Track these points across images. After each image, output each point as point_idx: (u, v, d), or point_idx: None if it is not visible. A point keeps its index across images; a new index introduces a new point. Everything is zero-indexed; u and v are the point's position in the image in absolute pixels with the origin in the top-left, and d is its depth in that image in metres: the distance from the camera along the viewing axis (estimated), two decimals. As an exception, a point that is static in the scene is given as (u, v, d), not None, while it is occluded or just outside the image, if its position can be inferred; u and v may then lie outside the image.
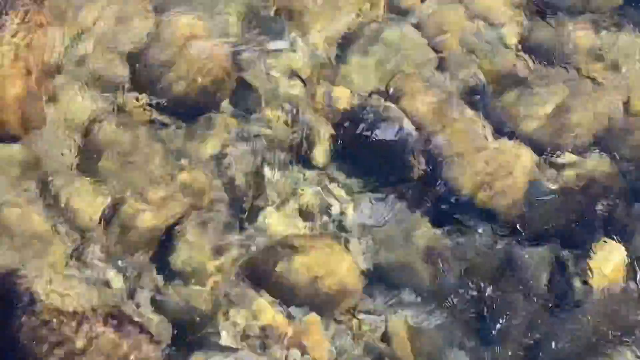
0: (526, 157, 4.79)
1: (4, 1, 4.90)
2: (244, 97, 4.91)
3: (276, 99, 4.92)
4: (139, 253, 4.52)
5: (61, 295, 4.31)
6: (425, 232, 4.66)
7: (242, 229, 4.64)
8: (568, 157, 4.83)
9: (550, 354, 4.47)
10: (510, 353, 4.44)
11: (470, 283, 4.61)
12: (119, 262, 4.47)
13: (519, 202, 4.71)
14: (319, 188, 4.77)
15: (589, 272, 4.59)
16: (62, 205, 4.58)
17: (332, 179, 4.78)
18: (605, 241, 4.60)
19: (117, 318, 4.33)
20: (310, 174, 4.77)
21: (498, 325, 4.47)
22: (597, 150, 4.87)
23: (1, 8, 4.91)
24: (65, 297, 4.32)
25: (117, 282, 4.46)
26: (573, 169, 4.83)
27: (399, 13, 5.18)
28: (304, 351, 4.50)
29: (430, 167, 4.73)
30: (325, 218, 4.72)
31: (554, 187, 4.74)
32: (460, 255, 4.62)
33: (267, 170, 4.75)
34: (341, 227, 4.67)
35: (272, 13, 5.18)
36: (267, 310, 4.50)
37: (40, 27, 4.90)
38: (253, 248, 4.60)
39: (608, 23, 5.23)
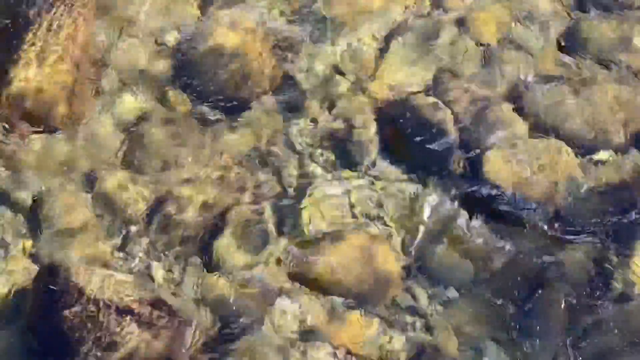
0: (567, 154, 4.74)
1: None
2: (288, 91, 4.88)
3: (319, 93, 4.89)
4: (182, 246, 4.49)
5: (104, 286, 4.27)
6: (467, 228, 4.61)
7: (284, 223, 4.60)
8: (609, 155, 4.78)
9: (590, 350, 4.37)
10: (549, 348, 4.38)
11: (511, 278, 4.54)
12: (163, 255, 4.45)
13: (560, 198, 4.64)
14: (362, 183, 4.71)
15: (632, 270, 4.52)
16: (107, 197, 4.56)
17: (375, 175, 4.74)
18: None
19: (159, 308, 4.28)
20: (353, 169, 4.72)
21: (538, 320, 4.41)
22: (638, 149, 4.83)
23: (49, 3, 4.85)
24: (109, 288, 4.28)
25: (160, 273, 4.45)
26: (614, 167, 4.78)
27: (444, 10, 5.16)
28: (344, 345, 4.44)
29: (471, 163, 4.68)
30: (368, 213, 4.66)
31: (594, 184, 4.67)
32: (502, 251, 4.57)
33: (311, 166, 4.73)
34: (383, 221, 4.63)
35: (318, 8, 5.13)
36: (309, 304, 4.48)
37: (86, 22, 4.86)
38: (296, 242, 4.55)
39: None
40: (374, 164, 4.76)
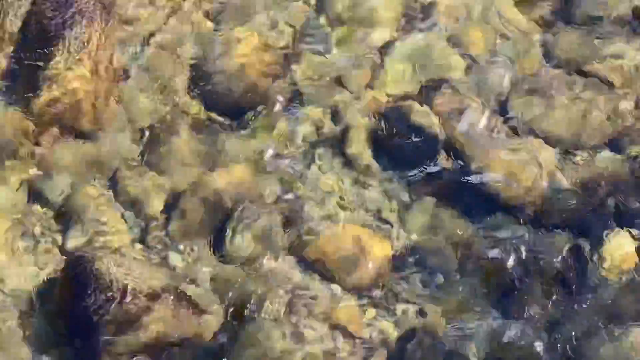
0: (547, 154, 4.75)
1: (77, 11, 4.82)
2: (294, 99, 4.87)
3: (321, 100, 4.91)
4: (197, 239, 4.55)
5: (127, 275, 4.31)
6: (453, 221, 4.69)
7: (288, 217, 4.64)
8: (584, 155, 4.82)
9: (567, 329, 4.45)
10: (531, 332, 4.43)
11: (495, 267, 4.60)
12: (179, 247, 4.53)
13: (540, 194, 4.69)
14: (358, 179, 4.75)
15: (602, 259, 4.57)
16: (128, 194, 4.63)
17: (369, 172, 4.76)
18: (617, 231, 4.58)
19: (176, 295, 4.37)
20: (349, 167, 4.76)
21: (519, 304, 4.46)
22: (609, 150, 4.83)
23: (75, 17, 4.81)
24: (131, 277, 4.32)
25: (178, 263, 4.51)
26: (588, 166, 4.79)
27: (432, 26, 5.10)
28: (341, 325, 4.49)
29: (459, 162, 4.74)
30: (363, 207, 4.70)
31: (571, 181, 4.73)
32: (485, 242, 4.61)
33: (312, 165, 4.77)
34: (379, 218, 4.65)
35: (322, 23, 5.12)
36: (311, 288, 4.53)
37: (108, 36, 4.88)
38: (298, 234, 4.62)
39: (627, 32, 5.14)
40: (369, 162, 4.76)
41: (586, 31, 5.13)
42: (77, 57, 4.75)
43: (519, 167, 4.75)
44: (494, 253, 4.61)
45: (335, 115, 4.86)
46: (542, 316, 4.48)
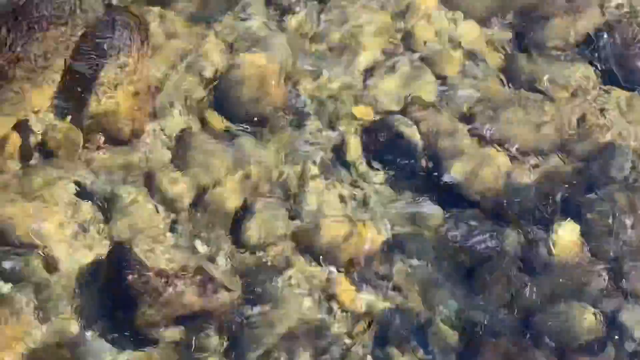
0: (505, 159, 4.76)
1: (119, 40, 4.80)
2: (298, 113, 4.85)
3: (322, 114, 4.86)
4: (218, 228, 4.55)
5: (159, 258, 4.39)
6: (429, 213, 4.67)
7: (291, 210, 4.64)
8: (538, 159, 4.80)
9: (523, 303, 4.48)
10: (491, 307, 4.46)
11: (463, 252, 4.61)
12: (203, 234, 4.53)
13: (500, 191, 4.71)
14: (351, 178, 4.73)
15: (552, 244, 4.59)
16: (161, 192, 4.62)
17: (361, 173, 4.75)
18: (564, 222, 4.60)
19: (201, 275, 4.40)
20: (344, 169, 4.74)
21: (482, 284, 4.49)
22: (558, 154, 4.81)
23: (120, 42, 4.77)
24: (162, 259, 4.39)
25: (202, 249, 4.51)
26: (541, 168, 4.79)
27: (413, 51, 5.04)
28: (337, 298, 4.51)
29: (434, 165, 4.71)
30: (355, 201, 4.68)
31: (526, 180, 4.74)
32: (456, 230, 4.62)
33: (312, 167, 4.73)
34: (368, 209, 4.65)
35: (324, 48, 5.03)
36: (311, 270, 4.53)
37: (145, 59, 4.86)
38: (301, 224, 4.62)
39: (571, 57, 5.09)
40: (360, 164, 4.74)
41: (538, 55, 5.05)
42: (120, 76, 4.73)
43: (483, 169, 4.73)
44: (463, 239, 4.61)
45: (335, 127, 4.83)
46: (502, 292, 4.49)
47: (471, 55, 5.09)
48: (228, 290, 4.38)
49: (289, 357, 4.48)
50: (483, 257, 4.59)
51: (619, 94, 4.94)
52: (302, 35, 5.04)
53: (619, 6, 5.13)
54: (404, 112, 4.86)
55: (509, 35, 5.12)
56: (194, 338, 4.35)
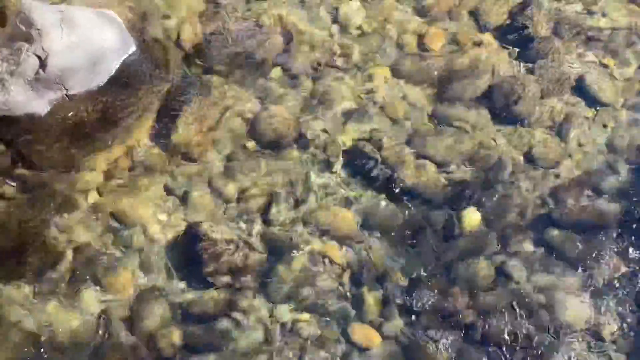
0: (433, 167, 4.75)
1: (192, 94, 4.75)
2: (304, 143, 4.82)
3: (316, 143, 4.83)
4: (253, 213, 4.61)
5: (217, 233, 4.47)
6: (385, 204, 4.66)
7: (298, 202, 4.66)
8: (454, 167, 4.76)
9: (444, 261, 4.52)
10: (425, 262, 4.51)
11: (406, 229, 4.60)
12: (244, 217, 4.60)
13: (430, 188, 4.71)
14: (335, 182, 4.70)
15: (462, 222, 4.61)
16: (218, 190, 4.66)
17: (343, 180, 4.73)
18: (470, 208, 4.66)
19: (244, 243, 4.49)
20: (331, 176, 4.72)
21: (419, 247, 4.56)
22: (467, 165, 4.77)
23: (190, 97, 4.76)
24: (219, 233, 4.48)
25: (243, 226, 4.57)
26: (456, 174, 4.76)
27: (375, 102, 4.91)
28: (326, 255, 4.49)
29: (389, 172, 4.72)
30: (339, 197, 4.67)
31: (446, 182, 4.75)
32: (404, 216, 4.63)
33: (312, 175, 4.71)
34: (348, 202, 4.65)
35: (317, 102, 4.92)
36: (315, 241, 4.56)
37: (207, 107, 4.80)
38: (305, 210, 4.62)
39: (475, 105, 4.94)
40: (342, 174, 4.72)
41: (453, 103, 4.95)
42: (192, 117, 4.78)
43: (419, 173, 4.75)
44: (405, 220, 4.63)
45: (326, 149, 4.78)
46: (431, 253, 4.53)
47: (411, 105, 4.92)
48: (260, 253, 4.51)
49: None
50: (418, 231, 4.57)
51: (501, 127, 4.83)
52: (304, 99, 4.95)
53: (505, 71, 4.98)
54: (369, 140, 4.80)
55: (435, 91, 4.97)
56: (237, 283, 4.39)
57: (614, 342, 4.33)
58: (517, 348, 4.26)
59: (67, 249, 4.43)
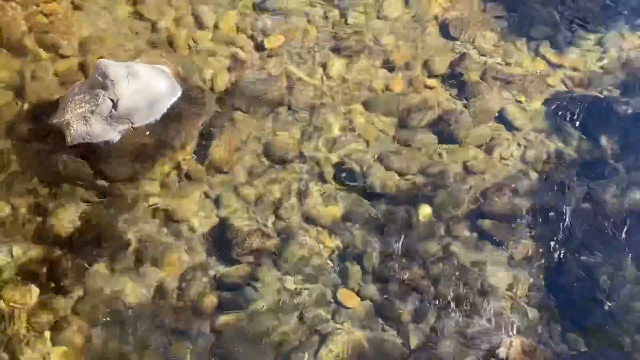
0: (395, 175, 4.75)
1: (218, 127, 4.79)
2: (304, 159, 4.85)
3: (313, 159, 4.85)
4: (267, 209, 4.63)
5: (244, 225, 4.49)
6: (363, 203, 4.72)
7: (300, 201, 4.70)
8: (410, 177, 4.79)
9: (405, 243, 4.53)
10: (392, 244, 4.50)
11: (378, 220, 4.65)
12: (261, 213, 4.62)
13: (391, 190, 4.73)
14: (327, 187, 4.78)
15: (418, 215, 4.61)
16: (242, 196, 4.70)
17: (333, 186, 4.79)
18: (425, 204, 4.67)
19: (260, 231, 4.52)
20: (324, 183, 4.79)
21: (388, 234, 4.55)
22: (424, 174, 4.75)
23: (218, 129, 4.81)
24: (243, 224, 4.51)
25: (260, 219, 4.59)
26: (415, 179, 4.75)
27: (354, 130, 4.98)
28: (321, 239, 4.57)
29: (366, 180, 4.78)
30: (329, 198, 4.74)
31: (404, 187, 4.76)
32: (377, 211, 4.68)
33: (310, 183, 4.78)
34: (336, 201, 4.71)
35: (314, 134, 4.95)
36: (312, 230, 4.59)
37: (232, 134, 4.87)
38: (305, 207, 4.66)
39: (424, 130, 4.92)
40: (330, 181, 4.81)
41: (410, 129, 4.94)
42: (223, 141, 4.78)
43: (387, 180, 4.79)
44: (377, 214, 4.67)
45: (320, 164, 4.85)
46: (396, 237, 4.52)
47: (380, 131, 4.96)
48: (273, 239, 4.56)
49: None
50: (389, 221, 4.63)
51: (445, 146, 4.86)
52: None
53: (447, 106, 4.99)
54: (350, 157, 4.89)
55: (397, 120, 4.97)
56: (256, 261, 4.43)
57: (527, 300, 4.41)
58: (460, 305, 4.33)
59: (132, 238, 4.57)
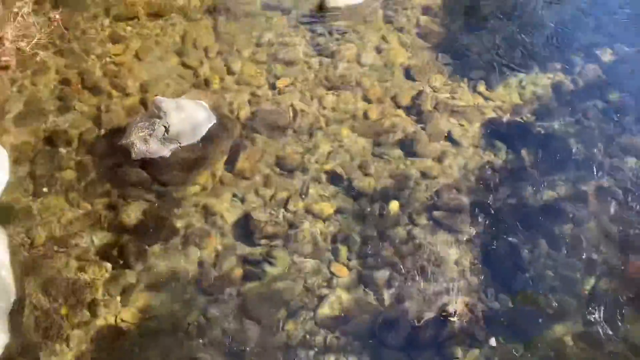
0: (372, 179, 4.98)
1: (242, 146, 5.07)
2: (306, 169, 5.09)
3: (312, 169, 5.12)
4: (279, 205, 4.91)
5: (262, 218, 4.80)
6: (349, 199, 5.00)
7: (302, 199, 4.97)
8: (383, 180, 5.06)
9: (380, 230, 4.76)
10: (370, 230, 4.73)
11: (360, 213, 4.92)
12: (274, 208, 4.87)
13: (365, 190, 4.96)
14: (322, 189, 5.05)
15: (388, 208, 4.86)
16: (260, 195, 4.94)
17: (327, 187, 5.05)
18: (394, 200, 4.92)
19: (274, 221, 4.76)
20: (319, 186, 5.02)
21: (367, 223, 4.79)
22: (392, 179, 5.06)
23: (240, 150, 5.03)
24: (261, 216, 4.82)
25: (273, 213, 4.85)
26: (383, 183, 5.02)
27: (342, 147, 5.25)
28: (318, 227, 4.85)
29: (350, 183, 5.03)
30: (324, 197, 4.98)
31: (378, 187, 4.97)
32: (359, 206, 4.94)
33: (310, 186, 5.05)
34: (328, 199, 4.98)
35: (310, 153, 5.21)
36: (311, 220, 4.88)
37: (258, 150, 5.16)
38: (306, 203, 4.98)
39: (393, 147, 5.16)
40: (325, 184, 5.07)
41: (383, 145, 5.18)
42: (246, 156, 5.02)
43: (366, 182, 5.02)
44: (359, 208, 4.92)
45: (317, 172, 5.11)
46: (373, 225, 4.75)
47: (361, 148, 5.16)
48: (283, 227, 4.80)
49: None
50: (367, 213, 4.85)
51: (409, 159, 5.14)
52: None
53: (410, 129, 5.23)
54: (340, 166, 5.11)
55: (373, 140, 5.25)
56: (271, 243, 4.69)
57: (469, 270, 4.62)
58: (420, 274, 4.56)
59: (180, 227, 4.85)
